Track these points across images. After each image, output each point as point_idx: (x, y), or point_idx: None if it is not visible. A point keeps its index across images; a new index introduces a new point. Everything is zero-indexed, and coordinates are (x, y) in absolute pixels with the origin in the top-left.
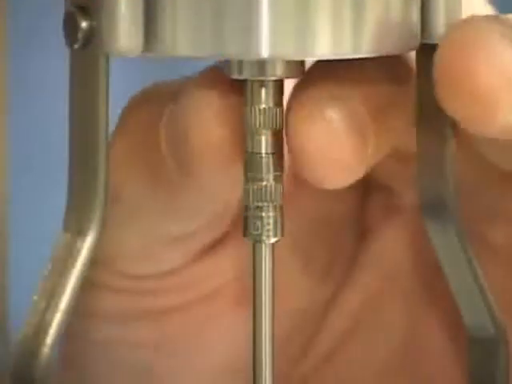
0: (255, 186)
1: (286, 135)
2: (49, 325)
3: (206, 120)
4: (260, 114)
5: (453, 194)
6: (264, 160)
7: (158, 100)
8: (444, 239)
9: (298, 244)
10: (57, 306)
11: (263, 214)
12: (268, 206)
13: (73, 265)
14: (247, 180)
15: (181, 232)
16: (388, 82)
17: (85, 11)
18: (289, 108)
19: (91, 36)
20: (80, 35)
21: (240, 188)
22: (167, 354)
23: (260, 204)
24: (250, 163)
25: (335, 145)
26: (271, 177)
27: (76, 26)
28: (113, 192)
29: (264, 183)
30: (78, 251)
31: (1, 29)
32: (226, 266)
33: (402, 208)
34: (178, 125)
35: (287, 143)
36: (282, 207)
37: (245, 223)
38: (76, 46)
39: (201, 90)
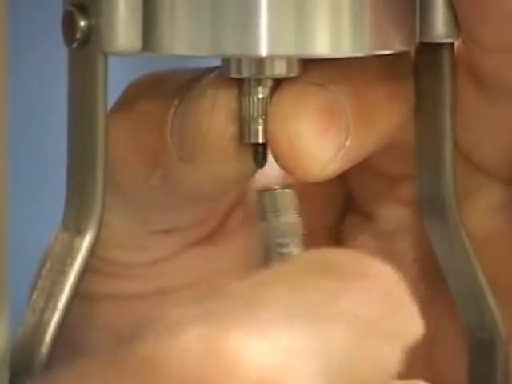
0: (275, 223)
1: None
2: (47, 324)
3: (218, 118)
4: (258, 103)
5: (452, 192)
6: (278, 195)
7: (166, 89)
8: (443, 238)
9: None
10: (55, 305)
11: (285, 251)
12: (290, 242)
13: (71, 264)
14: (264, 218)
15: (174, 224)
16: (385, 81)
17: (83, 10)
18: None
19: (90, 35)
20: (78, 34)
21: (238, 183)
22: None
23: (282, 241)
24: (264, 201)
25: (303, 135)
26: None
27: (74, 25)
28: (108, 175)
29: (283, 219)
30: (77, 250)
31: (1, 28)
32: (216, 257)
33: (375, 234)
34: (188, 118)
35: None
36: (303, 240)
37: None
38: (74, 45)
39: (215, 88)
